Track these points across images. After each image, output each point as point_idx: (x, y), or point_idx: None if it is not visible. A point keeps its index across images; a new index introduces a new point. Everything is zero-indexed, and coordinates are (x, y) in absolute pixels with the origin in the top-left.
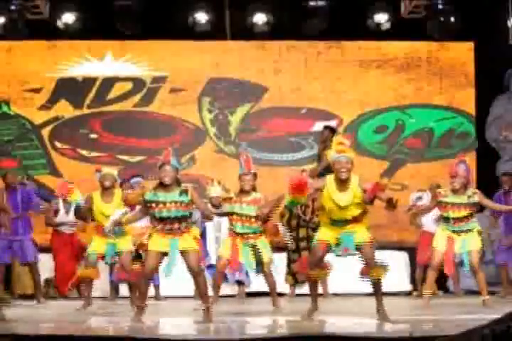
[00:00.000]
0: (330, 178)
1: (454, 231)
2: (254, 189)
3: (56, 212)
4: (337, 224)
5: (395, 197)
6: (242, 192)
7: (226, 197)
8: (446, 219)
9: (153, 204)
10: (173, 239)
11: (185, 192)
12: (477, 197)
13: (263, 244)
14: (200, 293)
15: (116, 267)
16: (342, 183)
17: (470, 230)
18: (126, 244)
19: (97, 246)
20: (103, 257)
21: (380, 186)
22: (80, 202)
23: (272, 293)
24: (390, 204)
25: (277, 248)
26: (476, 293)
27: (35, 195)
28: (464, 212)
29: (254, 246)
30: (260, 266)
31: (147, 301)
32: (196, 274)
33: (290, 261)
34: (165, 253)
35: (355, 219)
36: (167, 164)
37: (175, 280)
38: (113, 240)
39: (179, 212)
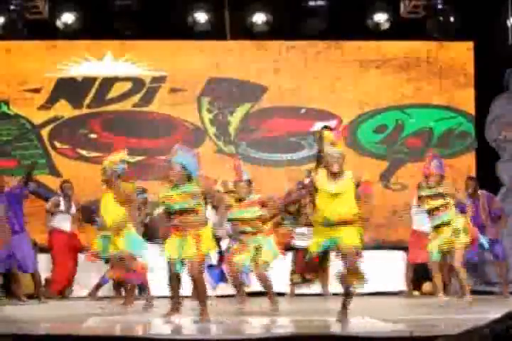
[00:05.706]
0: (321, 172)
1: (437, 227)
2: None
3: (57, 205)
4: (328, 225)
5: (394, 197)
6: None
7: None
8: (428, 213)
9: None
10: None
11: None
12: (449, 188)
13: (269, 245)
14: (199, 296)
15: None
16: (333, 175)
17: (450, 222)
18: (123, 244)
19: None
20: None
21: (369, 182)
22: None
23: (269, 293)
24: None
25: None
26: (476, 293)
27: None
28: (439, 202)
29: (258, 248)
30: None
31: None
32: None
33: (296, 260)
34: None
35: (346, 222)
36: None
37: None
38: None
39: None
